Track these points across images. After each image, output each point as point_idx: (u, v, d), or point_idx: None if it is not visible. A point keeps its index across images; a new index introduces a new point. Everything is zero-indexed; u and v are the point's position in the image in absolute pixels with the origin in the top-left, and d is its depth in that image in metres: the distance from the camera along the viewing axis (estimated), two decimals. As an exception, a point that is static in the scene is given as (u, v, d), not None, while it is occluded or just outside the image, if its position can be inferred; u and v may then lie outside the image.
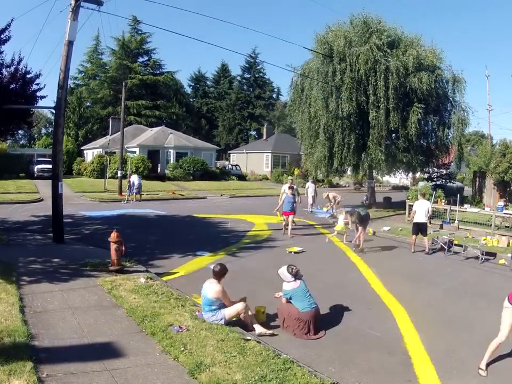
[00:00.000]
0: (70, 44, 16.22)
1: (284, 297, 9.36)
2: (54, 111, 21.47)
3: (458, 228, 22.08)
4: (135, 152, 46.86)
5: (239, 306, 9.06)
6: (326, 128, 26.80)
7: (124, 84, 39.11)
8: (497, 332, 7.75)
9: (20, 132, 64.95)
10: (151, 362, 7.17)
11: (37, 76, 19.32)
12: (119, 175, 35.80)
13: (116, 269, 12.43)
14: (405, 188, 43.44)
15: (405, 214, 25.54)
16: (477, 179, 31.01)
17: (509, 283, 13.17)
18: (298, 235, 20.58)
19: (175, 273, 13.60)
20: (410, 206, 25.09)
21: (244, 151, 69.87)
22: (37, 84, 19.52)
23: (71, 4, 15.88)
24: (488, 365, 7.74)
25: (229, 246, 17.82)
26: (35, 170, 46.89)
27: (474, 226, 21.94)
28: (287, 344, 8.59)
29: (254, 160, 65.59)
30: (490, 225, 20.74)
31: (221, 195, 39.53)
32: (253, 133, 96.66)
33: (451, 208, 23.36)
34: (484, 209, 23.77)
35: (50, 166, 27.47)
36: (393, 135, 27.43)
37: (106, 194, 35.52)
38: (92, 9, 16.20)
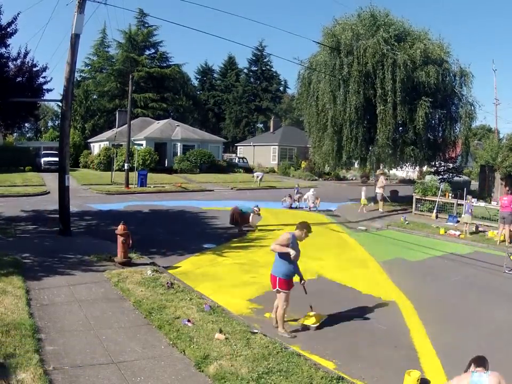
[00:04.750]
0: (77, 36, 16.22)
1: None
2: (60, 104, 21.53)
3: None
4: (142, 144, 46.90)
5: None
6: (333, 122, 26.68)
7: (130, 76, 39.08)
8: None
9: (26, 124, 64.99)
10: (158, 355, 7.19)
11: (44, 69, 19.37)
12: (125, 167, 35.77)
13: (123, 261, 12.46)
14: (412, 182, 43.20)
15: (411, 210, 25.50)
16: (485, 173, 30.87)
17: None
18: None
19: (182, 265, 13.64)
20: (418, 200, 25.08)
21: (251, 144, 69.72)
22: (44, 77, 19.58)
23: (77, -3, 15.90)
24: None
25: (237, 238, 17.85)
26: (42, 163, 46.87)
27: (481, 221, 21.86)
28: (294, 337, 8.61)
29: (261, 153, 65.43)
30: (497, 219, 20.65)
31: (231, 188, 39.44)
32: (260, 125, 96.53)
33: (458, 202, 23.28)
34: (490, 203, 23.67)
35: (57, 159, 27.49)
36: (401, 128, 27.26)
37: (113, 187, 35.55)
38: (99, 2, 16.20)
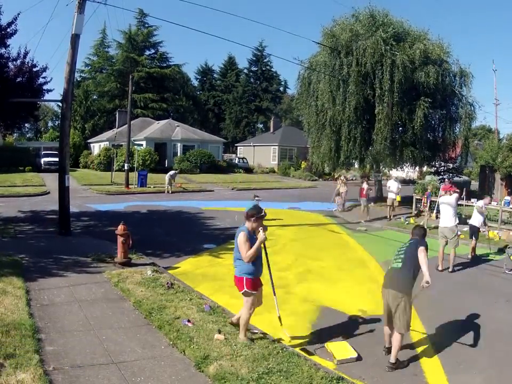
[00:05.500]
0: (77, 37, 16.21)
1: None
2: (60, 104, 21.55)
3: (466, 222, 21.99)
4: (142, 145, 46.89)
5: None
6: (332, 122, 26.70)
7: (130, 76, 39.07)
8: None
9: (26, 125, 65.01)
10: (158, 355, 7.19)
11: (44, 69, 19.39)
12: (126, 167, 35.77)
13: (123, 261, 12.46)
14: (412, 182, 43.23)
15: (411, 210, 25.48)
16: (486, 173, 30.86)
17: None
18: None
19: (182, 266, 13.64)
20: (418, 200, 25.05)
21: (251, 144, 69.73)
22: (44, 77, 19.63)
23: (77, -3, 15.89)
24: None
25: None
26: (42, 163, 46.91)
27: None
28: (293, 337, 8.59)
29: (261, 153, 65.45)
30: (497, 220, 20.63)
31: (232, 188, 39.41)
32: (260, 126, 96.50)
33: (458, 202, 23.23)
34: (490, 203, 23.65)
35: (57, 159, 27.50)
36: (400, 128, 27.27)
37: (113, 187, 35.53)
38: (99, 2, 16.20)
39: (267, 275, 10.86)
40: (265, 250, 8.19)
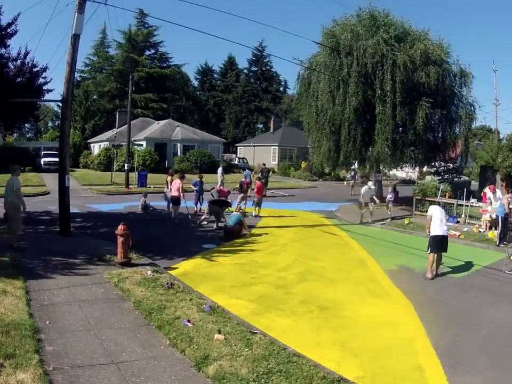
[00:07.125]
0: (77, 37, 16.19)
1: None
2: (60, 105, 21.55)
3: (466, 222, 22.01)
4: (142, 145, 46.83)
5: None
6: (332, 122, 26.69)
7: (130, 77, 39.03)
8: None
9: (26, 125, 64.95)
10: (158, 355, 7.19)
11: (44, 69, 19.41)
12: (126, 168, 35.73)
13: (123, 261, 12.45)
14: (412, 182, 43.19)
15: (410, 210, 25.46)
16: (486, 174, 30.84)
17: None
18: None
19: (182, 266, 13.63)
20: (418, 201, 24.97)
21: (251, 144, 69.70)
22: (44, 77, 19.64)
23: (77, -3, 15.87)
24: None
25: (236, 239, 17.82)
26: (42, 163, 46.94)
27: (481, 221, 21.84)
28: (294, 337, 8.59)
29: (261, 153, 65.30)
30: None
31: (234, 189, 39.26)
32: (260, 126, 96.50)
33: (458, 203, 23.25)
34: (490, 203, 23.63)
35: (57, 159, 27.49)
36: (400, 129, 27.22)
37: (113, 187, 35.50)
38: (99, 2, 16.18)
39: (268, 276, 10.90)
40: None
